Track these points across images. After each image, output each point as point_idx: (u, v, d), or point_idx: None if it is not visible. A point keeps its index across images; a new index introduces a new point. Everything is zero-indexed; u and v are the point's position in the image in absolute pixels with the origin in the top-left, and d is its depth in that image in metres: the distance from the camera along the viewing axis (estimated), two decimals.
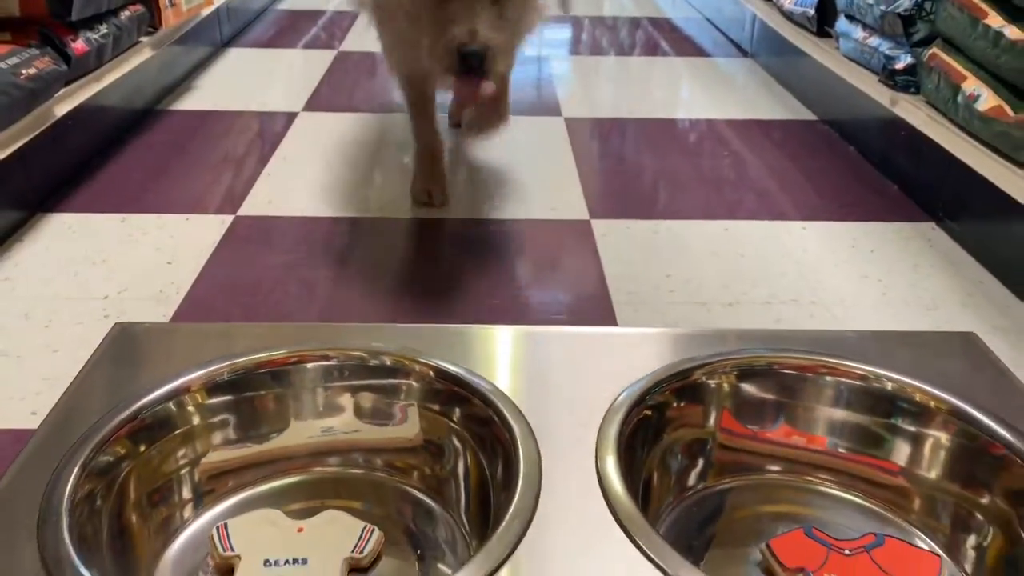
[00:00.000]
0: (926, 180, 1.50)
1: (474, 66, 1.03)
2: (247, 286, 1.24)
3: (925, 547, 0.57)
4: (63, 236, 1.35)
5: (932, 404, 0.58)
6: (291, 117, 2.00)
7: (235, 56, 2.48)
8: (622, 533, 0.48)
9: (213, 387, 0.58)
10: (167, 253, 1.31)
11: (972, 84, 1.28)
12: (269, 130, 1.91)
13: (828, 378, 0.61)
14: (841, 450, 0.62)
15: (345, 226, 1.42)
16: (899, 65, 1.54)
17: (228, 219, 1.42)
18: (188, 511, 0.57)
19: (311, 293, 1.24)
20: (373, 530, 0.56)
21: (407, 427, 0.61)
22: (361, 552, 0.54)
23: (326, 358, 0.60)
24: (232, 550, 0.53)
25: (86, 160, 1.61)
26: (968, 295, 1.23)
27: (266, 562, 0.53)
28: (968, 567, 0.55)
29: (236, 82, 2.25)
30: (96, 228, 1.38)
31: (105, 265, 1.27)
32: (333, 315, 1.22)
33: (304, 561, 0.53)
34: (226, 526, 0.54)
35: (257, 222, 1.43)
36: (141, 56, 1.84)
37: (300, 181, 1.59)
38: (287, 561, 0.53)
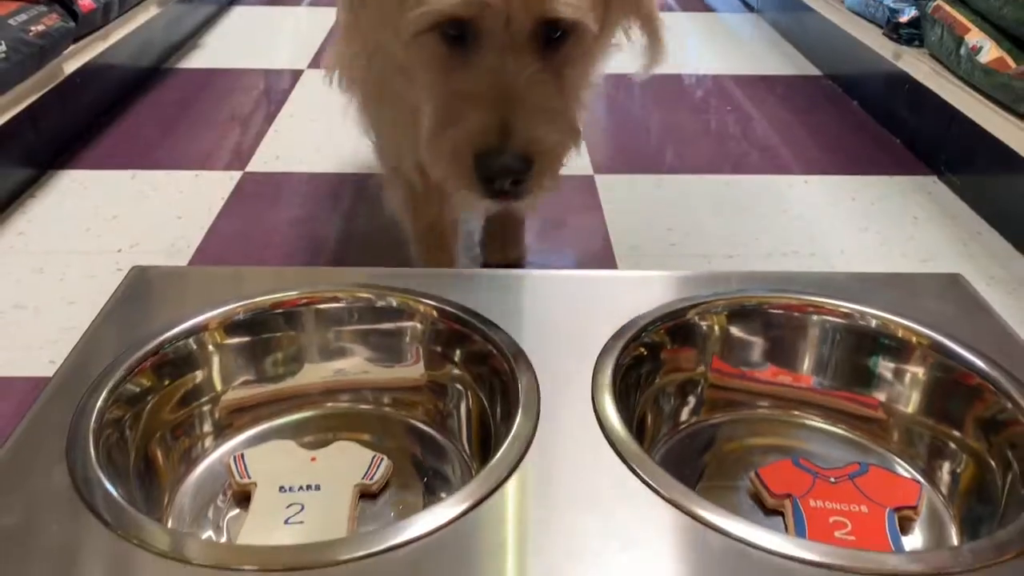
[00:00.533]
0: (928, 134, 1.51)
1: (504, 189, 0.63)
2: (256, 240, 1.27)
3: (906, 474, 0.60)
4: (75, 192, 1.38)
5: (913, 340, 0.61)
6: (296, 75, 2.01)
7: (240, 13, 2.49)
8: (617, 458, 0.51)
9: (230, 327, 0.61)
10: (177, 208, 1.34)
11: (975, 36, 1.28)
12: (275, 87, 1.93)
13: (815, 317, 0.64)
14: (826, 386, 0.64)
15: (351, 182, 1.44)
16: (903, 18, 1.53)
17: (237, 175, 1.45)
18: (208, 442, 0.60)
19: (319, 247, 1.27)
20: (382, 459, 0.59)
21: (413, 367, 0.64)
22: (371, 479, 0.57)
23: (336, 300, 0.63)
24: (249, 477, 0.56)
25: (96, 118, 1.63)
26: (966, 246, 1.25)
27: (281, 488, 0.56)
28: (944, 491, 0.58)
29: (242, 40, 2.26)
30: (107, 184, 1.41)
31: (116, 220, 1.30)
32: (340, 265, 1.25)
33: (317, 487, 0.56)
34: (243, 456, 0.58)
35: (265, 178, 1.45)
36: (148, 13, 1.85)
37: (307, 137, 1.61)
38: (301, 487, 0.56)
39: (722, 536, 0.46)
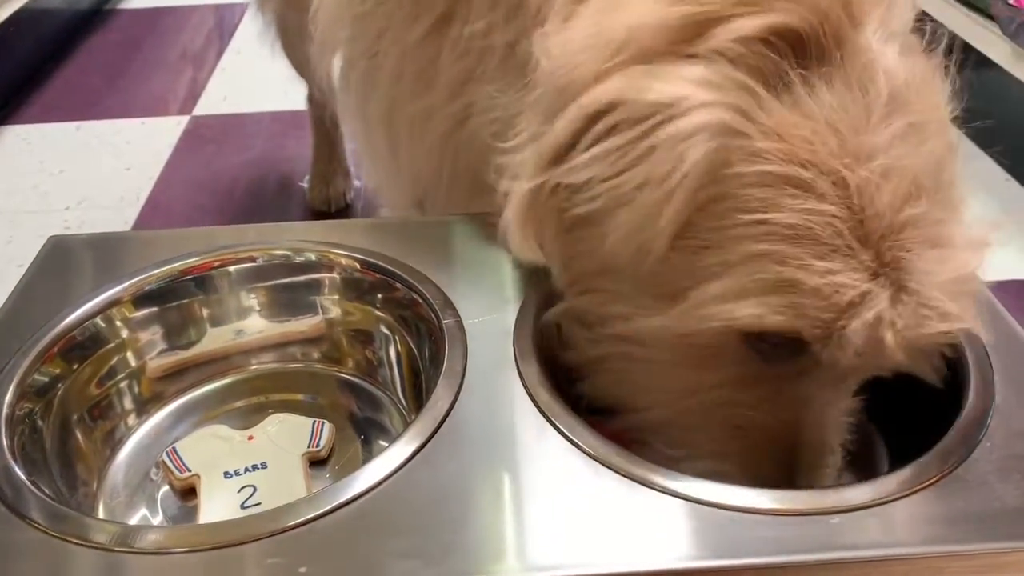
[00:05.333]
0: None
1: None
2: (208, 187, 1.22)
3: None
4: (18, 149, 1.31)
5: None
6: (246, 6, 1.91)
7: None
8: (535, 407, 0.49)
9: (140, 299, 0.57)
10: (125, 159, 1.28)
11: None
12: (227, 23, 1.83)
13: None
14: None
15: (303, 119, 1.38)
16: None
17: (184, 120, 1.39)
18: (132, 419, 0.56)
19: (272, 189, 1.22)
20: (323, 423, 0.56)
21: (336, 319, 0.61)
22: (318, 446, 0.54)
23: (251, 259, 0.59)
24: (188, 471, 0.53)
25: (35, 68, 1.55)
26: None
27: (226, 474, 0.52)
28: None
29: None
30: (51, 138, 1.34)
31: (63, 176, 1.24)
32: (292, 209, 1.20)
33: (264, 466, 0.53)
34: (175, 449, 0.54)
35: (214, 121, 1.39)
36: None
37: (255, 76, 1.53)
38: (247, 469, 0.53)
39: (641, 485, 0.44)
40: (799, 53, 0.44)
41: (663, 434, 0.50)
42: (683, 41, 0.44)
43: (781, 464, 0.47)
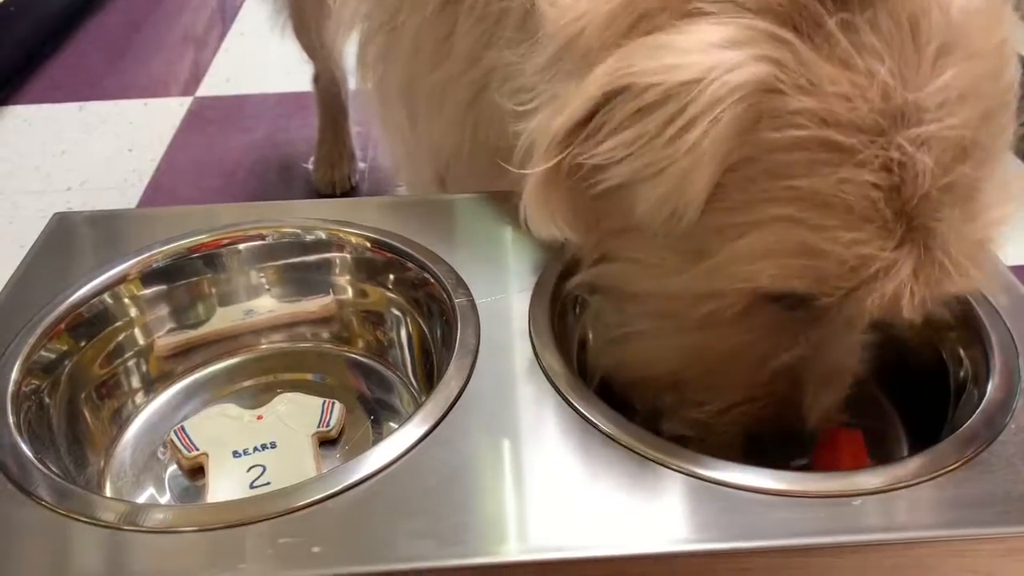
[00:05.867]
0: None
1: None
2: (211, 169, 1.21)
3: None
4: (20, 129, 1.30)
5: None
6: None
7: None
8: (552, 388, 0.48)
9: (148, 276, 0.56)
10: (127, 140, 1.27)
11: None
12: (229, 4, 1.81)
13: None
14: None
15: (308, 101, 1.37)
16: None
17: (187, 101, 1.37)
18: (139, 398, 0.56)
19: (274, 171, 1.21)
20: (333, 403, 0.55)
21: (347, 299, 0.60)
22: (328, 426, 0.54)
23: (260, 237, 0.59)
24: (197, 449, 0.52)
25: (37, 49, 1.53)
26: None
27: (235, 453, 0.52)
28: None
29: None
30: (53, 119, 1.33)
31: (65, 156, 1.23)
32: (296, 191, 1.19)
33: (273, 445, 0.52)
34: (183, 428, 0.53)
35: (216, 102, 1.38)
36: None
37: (258, 56, 1.52)
38: (256, 448, 0.52)
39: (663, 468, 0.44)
40: None
41: (689, 394, 0.49)
42: None
43: (795, 420, 0.48)
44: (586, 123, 0.43)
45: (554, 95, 0.45)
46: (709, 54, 0.40)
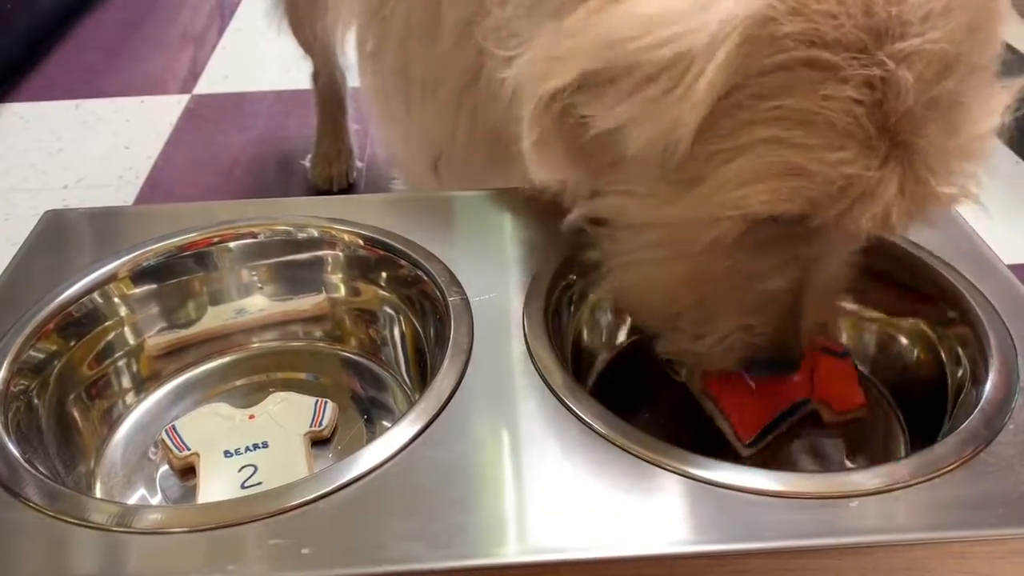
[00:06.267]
0: None
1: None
2: (207, 166, 1.20)
3: None
4: (16, 127, 1.30)
5: None
6: None
7: None
8: (545, 388, 0.48)
9: (138, 275, 0.56)
10: (124, 138, 1.26)
11: None
12: (227, 1, 1.81)
13: None
14: None
15: (305, 98, 1.36)
16: None
17: (184, 99, 1.37)
18: (130, 398, 0.55)
19: (272, 168, 1.20)
20: (326, 402, 0.54)
21: (339, 297, 0.59)
22: (320, 425, 0.53)
23: (252, 235, 0.58)
24: (188, 449, 0.51)
25: (34, 45, 1.52)
26: None
27: (226, 453, 0.51)
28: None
29: None
30: (49, 116, 1.32)
31: (62, 154, 1.22)
32: (293, 188, 1.19)
33: (265, 445, 0.52)
34: (175, 427, 0.53)
35: (214, 100, 1.37)
36: None
37: (256, 54, 1.51)
38: (248, 448, 0.51)
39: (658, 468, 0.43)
40: None
41: (687, 322, 0.50)
42: None
43: (793, 340, 0.48)
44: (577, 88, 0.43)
45: (536, 36, 0.45)
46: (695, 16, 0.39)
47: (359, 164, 1.25)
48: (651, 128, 0.42)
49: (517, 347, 0.50)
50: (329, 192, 1.19)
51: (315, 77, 1.22)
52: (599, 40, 0.42)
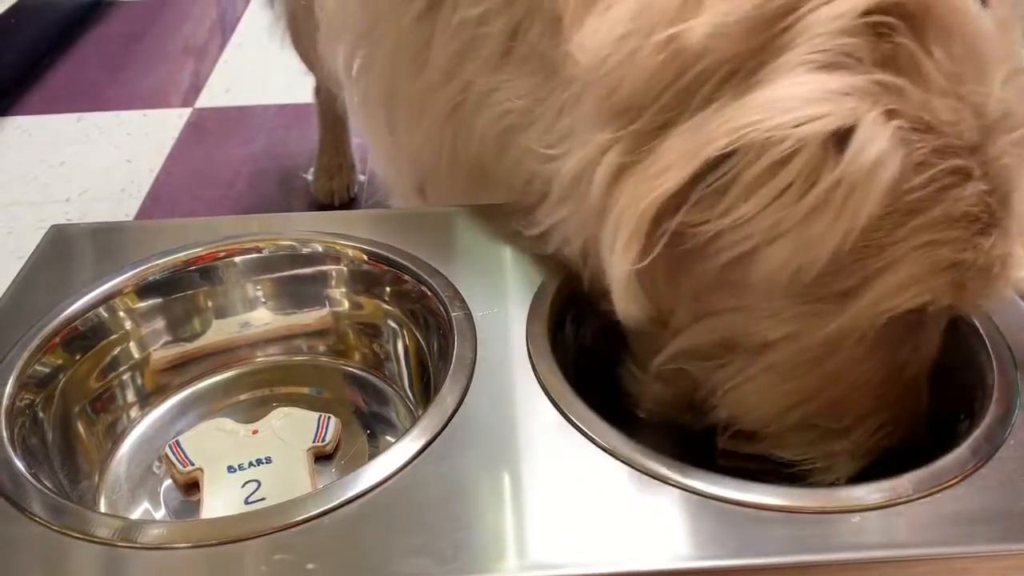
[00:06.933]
0: None
1: None
2: (209, 179, 1.21)
3: None
4: (18, 140, 1.30)
5: None
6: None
7: None
8: (549, 402, 0.48)
9: (143, 289, 0.56)
10: (126, 151, 1.27)
11: None
12: (229, 15, 1.82)
13: None
14: None
15: (307, 112, 1.37)
16: None
17: (186, 112, 1.37)
18: (134, 412, 0.55)
19: (273, 182, 1.21)
20: (329, 418, 0.55)
21: (343, 312, 0.60)
22: (323, 441, 0.53)
23: (257, 250, 0.59)
24: (192, 464, 0.52)
25: (37, 59, 1.53)
26: None
27: (230, 468, 0.51)
28: None
29: None
30: (52, 130, 1.33)
31: (64, 167, 1.23)
32: (295, 202, 1.19)
33: (268, 460, 0.52)
34: (178, 442, 0.53)
35: (216, 113, 1.38)
36: None
37: (257, 68, 1.52)
38: (251, 463, 0.52)
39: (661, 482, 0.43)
40: (909, 23, 0.40)
41: (823, 422, 0.49)
42: (766, 33, 0.39)
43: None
44: (686, 193, 0.41)
45: (586, 141, 0.44)
46: (836, 102, 0.38)
47: (361, 178, 1.25)
48: (787, 246, 0.41)
49: (520, 362, 0.50)
50: (330, 206, 1.20)
51: (317, 91, 1.23)
52: (720, 128, 0.39)
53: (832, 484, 0.49)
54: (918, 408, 0.49)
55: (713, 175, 0.40)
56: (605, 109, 0.43)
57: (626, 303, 0.45)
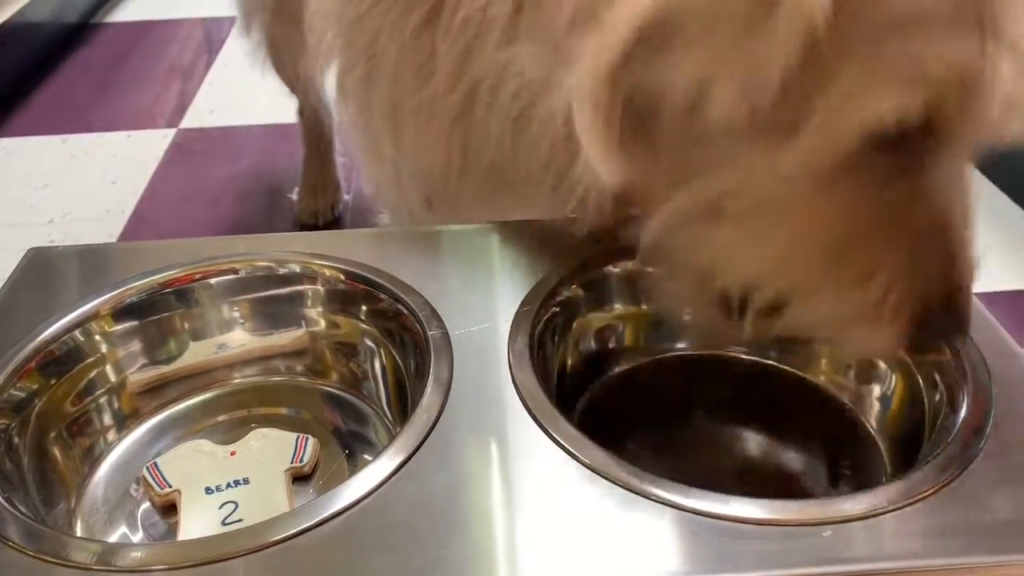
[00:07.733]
0: None
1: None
2: (194, 200, 1.21)
3: None
4: (2, 162, 1.30)
5: None
6: (233, 21, 1.90)
7: None
8: (530, 419, 0.48)
9: (119, 312, 0.56)
10: (111, 172, 1.27)
11: None
12: (214, 37, 1.82)
13: None
14: None
15: (292, 132, 1.38)
16: None
17: (171, 133, 1.38)
18: (111, 435, 0.55)
19: (258, 203, 1.21)
20: (307, 438, 0.54)
21: (320, 331, 0.60)
22: (301, 461, 0.53)
23: (233, 271, 0.59)
24: (169, 486, 0.51)
25: (21, 81, 1.53)
26: None
27: (207, 490, 0.51)
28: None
29: None
30: (36, 152, 1.33)
31: (48, 189, 1.23)
32: (280, 222, 1.19)
33: (246, 481, 0.52)
34: (156, 464, 0.53)
35: (201, 134, 1.38)
36: None
37: (242, 89, 1.53)
38: (228, 485, 0.51)
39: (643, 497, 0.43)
40: None
41: (826, 287, 0.45)
42: None
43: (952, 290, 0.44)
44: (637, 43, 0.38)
45: (576, 54, 0.41)
46: None
47: (346, 197, 1.26)
48: (731, 86, 0.38)
49: (501, 379, 0.50)
50: (315, 225, 1.20)
51: (300, 112, 1.23)
52: None
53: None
54: (947, 258, 0.43)
55: (655, 30, 0.38)
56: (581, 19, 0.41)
57: (601, 161, 0.42)
